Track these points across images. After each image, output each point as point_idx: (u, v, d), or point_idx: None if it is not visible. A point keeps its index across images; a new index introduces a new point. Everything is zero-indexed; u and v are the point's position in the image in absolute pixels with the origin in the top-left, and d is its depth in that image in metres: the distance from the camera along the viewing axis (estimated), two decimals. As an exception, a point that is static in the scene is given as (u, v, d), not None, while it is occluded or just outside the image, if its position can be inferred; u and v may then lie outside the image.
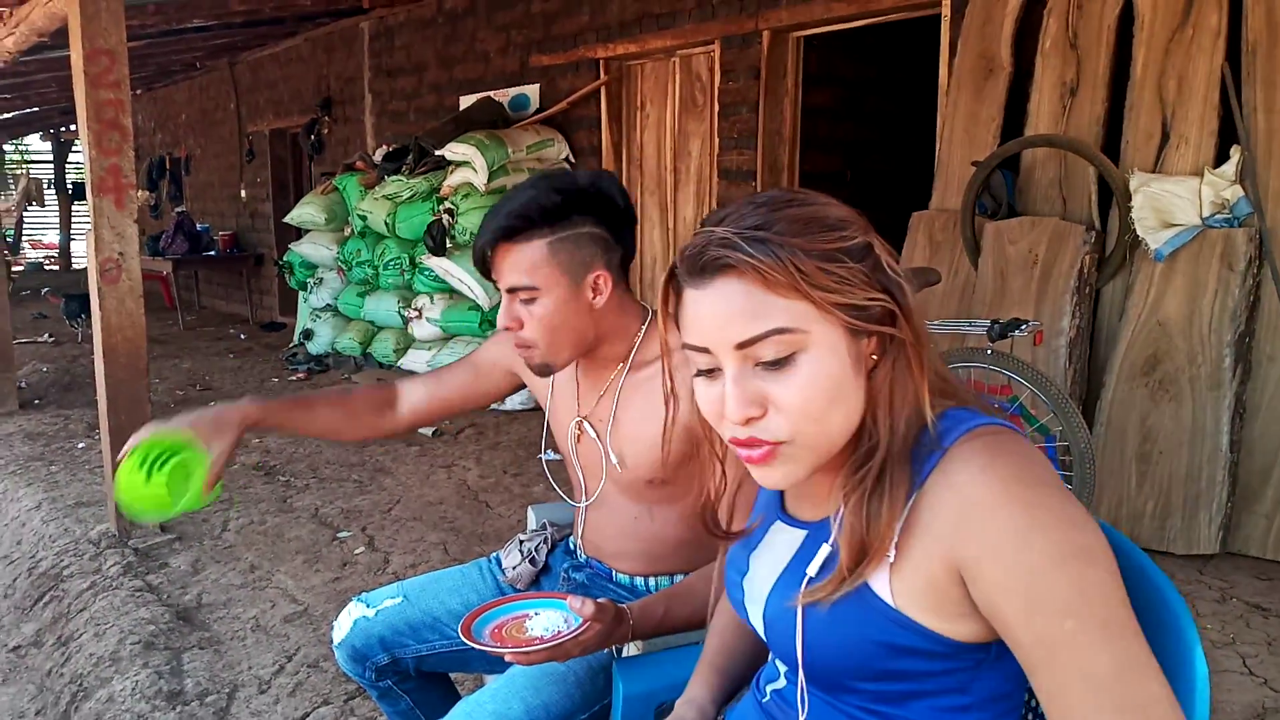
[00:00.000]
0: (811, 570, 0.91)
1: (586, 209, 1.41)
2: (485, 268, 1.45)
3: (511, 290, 1.41)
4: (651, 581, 1.57)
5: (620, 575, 1.58)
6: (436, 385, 1.71)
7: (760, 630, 1.00)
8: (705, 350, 0.87)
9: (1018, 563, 0.78)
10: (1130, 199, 3.35)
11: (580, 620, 1.21)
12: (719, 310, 0.85)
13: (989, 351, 3.18)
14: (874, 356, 0.88)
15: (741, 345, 0.85)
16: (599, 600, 1.22)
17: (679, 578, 1.54)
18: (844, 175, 6.18)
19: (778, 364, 0.84)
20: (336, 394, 1.75)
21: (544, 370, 1.48)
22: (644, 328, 1.51)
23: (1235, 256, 3.18)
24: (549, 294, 1.40)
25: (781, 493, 1.03)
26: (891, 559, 0.85)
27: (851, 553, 0.86)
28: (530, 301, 1.41)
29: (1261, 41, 3.18)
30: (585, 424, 1.56)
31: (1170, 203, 3.27)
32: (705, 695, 1.12)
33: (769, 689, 1.03)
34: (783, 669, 1.01)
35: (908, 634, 0.85)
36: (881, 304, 0.86)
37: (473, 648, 1.21)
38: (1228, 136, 3.28)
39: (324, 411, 1.67)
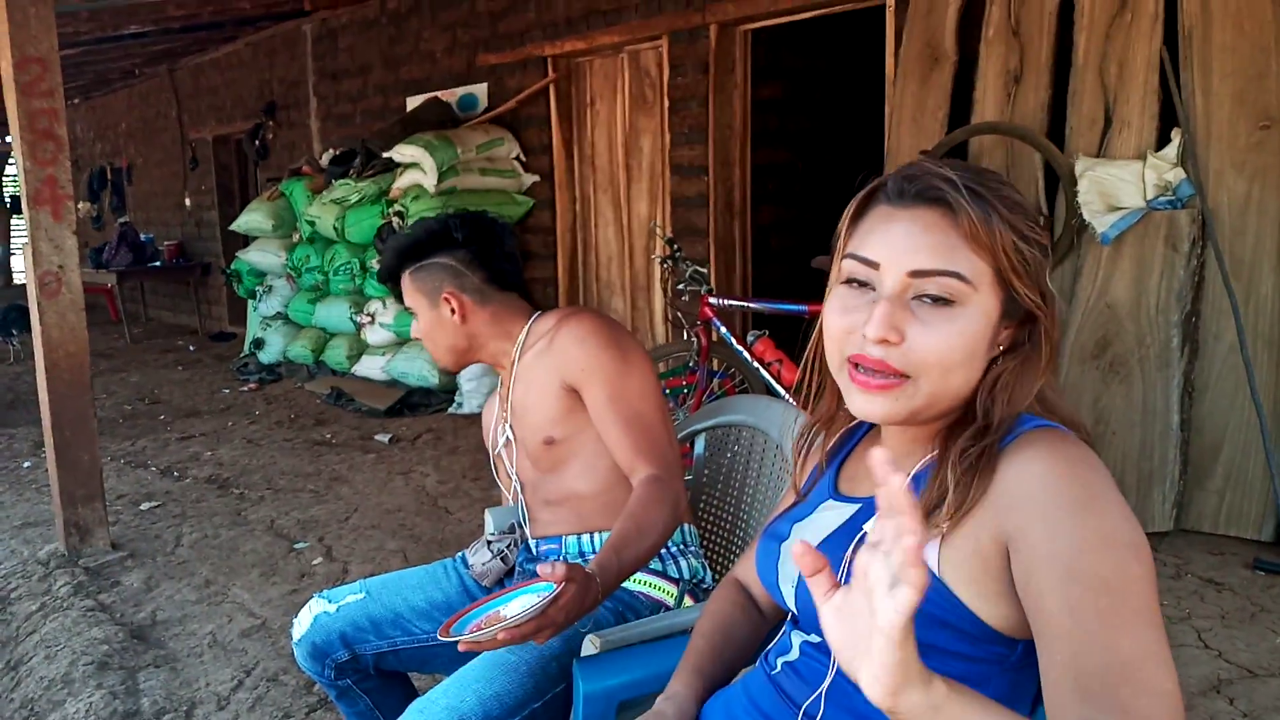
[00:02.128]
0: (868, 527, 0.92)
1: (435, 246, 1.73)
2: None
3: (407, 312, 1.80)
4: (594, 539, 1.66)
5: (568, 540, 1.67)
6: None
7: (788, 594, 1.02)
8: (873, 265, 0.90)
9: (1068, 534, 0.81)
10: (1076, 184, 3.39)
11: (553, 587, 1.22)
12: (912, 233, 0.89)
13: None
14: (1001, 347, 0.92)
15: (916, 274, 0.88)
16: (567, 562, 1.25)
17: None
18: (795, 167, 6.21)
19: (936, 305, 0.88)
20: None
21: (444, 372, 1.75)
22: (528, 326, 1.74)
23: (1179, 238, 3.23)
24: (419, 313, 1.74)
25: (836, 474, 1.07)
26: (944, 529, 0.88)
27: (934, 505, 0.88)
28: (416, 319, 1.76)
29: (1197, 25, 3.24)
30: (506, 425, 1.76)
31: (1115, 186, 3.32)
32: (686, 694, 1.12)
33: (780, 661, 1.04)
34: (797, 640, 1.02)
35: (944, 606, 0.87)
36: (1035, 303, 0.90)
37: (457, 646, 1.21)
38: (1168, 120, 3.33)
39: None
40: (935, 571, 0.87)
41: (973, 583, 0.86)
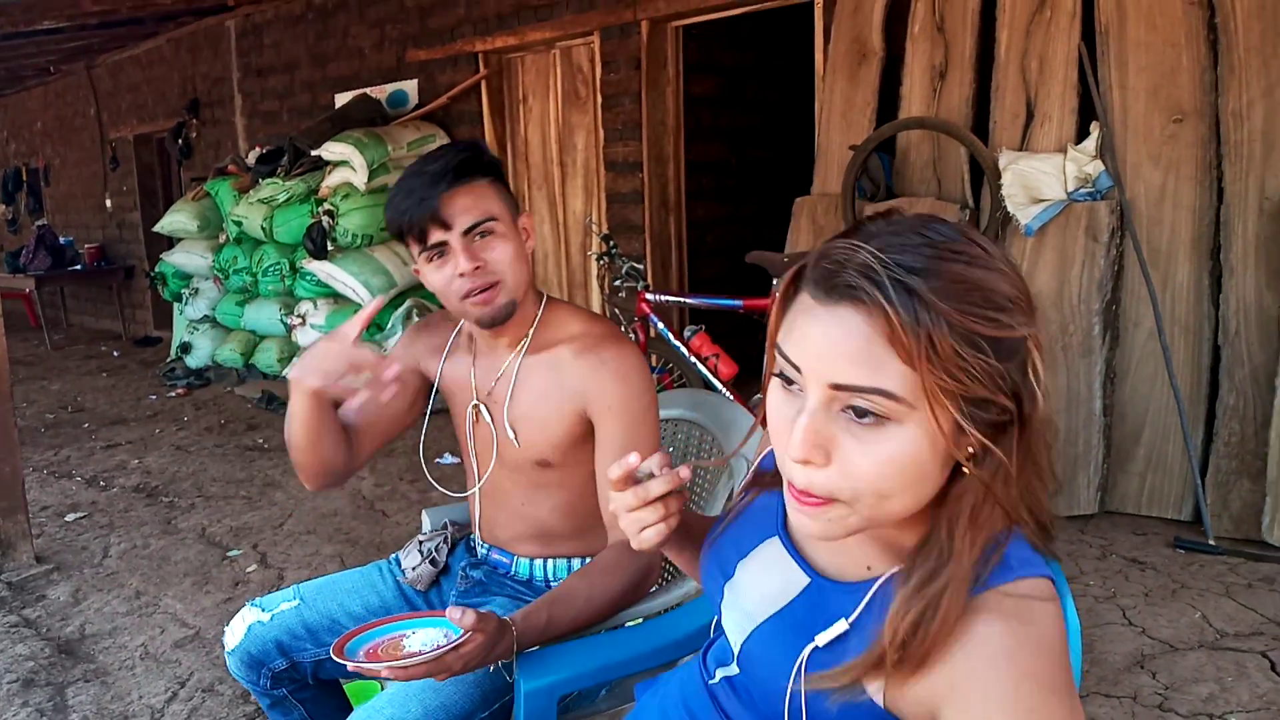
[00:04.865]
0: (821, 640, 0.84)
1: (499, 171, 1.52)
2: (423, 222, 1.42)
3: (469, 230, 1.43)
4: (549, 566, 1.58)
5: (520, 561, 1.60)
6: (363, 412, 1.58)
7: (734, 648, 0.96)
8: (796, 369, 0.77)
9: None
10: (1000, 177, 3.48)
11: (460, 632, 1.18)
12: (832, 340, 0.74)
13: (875, 330, 3.26)
14: (970, 450, 0.76)
15: (838, 387, 0.74)
16: (480, 610, 1.20)
17: (576, 562, 1.58)
18: (729, 163, 6.25)
19: (866, 422, 0.74)
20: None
21: (506, 312, 1.47)
22: (540, 312, 1.55)
23: (1099, 228, 3.33)
24: (504, 223, 1.46)
25: (785, 510, 0.95)
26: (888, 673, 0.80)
27: (891, 657, 0.77)
28: (489, 234, 1.45)
29: (1113, 22, 3.34)
30: (482, 407, 1.57)
31: (1037, 179, 3.41)
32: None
33: (720, 673, 1.00)
34: (731, 640, 0.98)
35: None
36: (1004, 409, 0.75)
37: (346, 668, 1.17)
38: (1087, 114, 3.43)
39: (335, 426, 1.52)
40: (879, 703, 0.80)
41: None
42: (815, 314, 0.75)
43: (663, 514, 0.90)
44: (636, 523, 0.92)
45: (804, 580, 0.90)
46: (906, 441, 0.73)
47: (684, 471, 0.90)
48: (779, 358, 0.79)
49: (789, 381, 0.78)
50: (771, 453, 0.98)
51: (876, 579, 0.85)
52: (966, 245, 0.74)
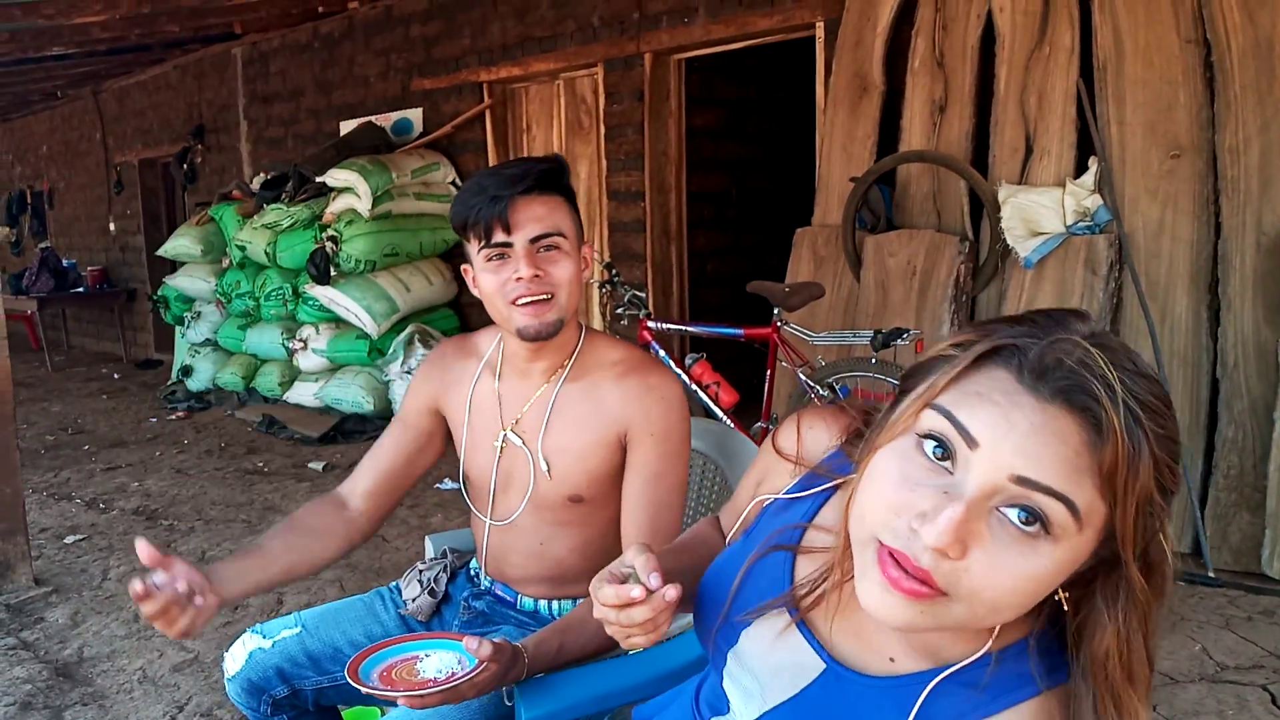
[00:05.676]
0: None
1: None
2: (490, 219, 1.39)
3: (536, 239, 1.41)
4: (555, 605, 1.57)
5: (525, 599, 1.58)
6: (374, 461, 1.60)
7: (743, 712, 0.92)
8: (971, 443, 0.69)
9: None
10: (999, 210, 3.51)
11: (475, 661, 1.18)
12: (1041, 435, 0.67)
13: (873, 361, 3.28)
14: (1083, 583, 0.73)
15: (1021, 481, 0.67)
16: (495, 640, 1.20)
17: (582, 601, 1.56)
18: (730, 193, 6.30)
19: (1029, 529, 0.67)
20: (283, 527, 1.56)
21: (552, 329, 1.43)
22: (579, 343, 1.52)
23: (1098, 261, 3.36)
24: (570, 243, 1.44)
25: (792, 576, 0.89)
26: None
27: None
28: (554, 249, 1.42)
29: (1111, 58, 3.38)
30: (512, 436, 1.53)
31: (1036, 212, 3.44)
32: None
33: None
34: (734, 706, 0.94)
35: None
36: (1136, 557, 0.71)
37: (360, 691, 1.17)
38: (1086, 148, 3.47)
39: (280, 551, 1.48)
40: None
41: None
42: (1021, 402, 0.68)
43: (651, 627, 0.87)
44: (623, 633, 0.88)
45: (819, 665, 0.84)
46: (1053, 563, 0.68)
47: (670, 594, 0.85)
48: (941, 420, 0.70)
49: (940, 449, 0.71)
50: (773, 517, 0.94)
51: (910, 679, 0.80)
52: (1164, 389, 0.70)
